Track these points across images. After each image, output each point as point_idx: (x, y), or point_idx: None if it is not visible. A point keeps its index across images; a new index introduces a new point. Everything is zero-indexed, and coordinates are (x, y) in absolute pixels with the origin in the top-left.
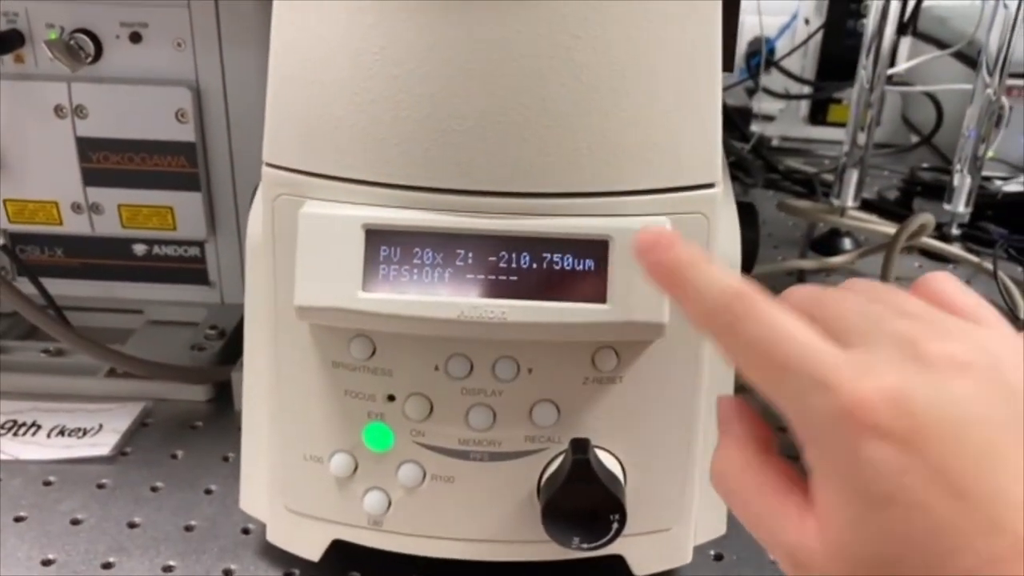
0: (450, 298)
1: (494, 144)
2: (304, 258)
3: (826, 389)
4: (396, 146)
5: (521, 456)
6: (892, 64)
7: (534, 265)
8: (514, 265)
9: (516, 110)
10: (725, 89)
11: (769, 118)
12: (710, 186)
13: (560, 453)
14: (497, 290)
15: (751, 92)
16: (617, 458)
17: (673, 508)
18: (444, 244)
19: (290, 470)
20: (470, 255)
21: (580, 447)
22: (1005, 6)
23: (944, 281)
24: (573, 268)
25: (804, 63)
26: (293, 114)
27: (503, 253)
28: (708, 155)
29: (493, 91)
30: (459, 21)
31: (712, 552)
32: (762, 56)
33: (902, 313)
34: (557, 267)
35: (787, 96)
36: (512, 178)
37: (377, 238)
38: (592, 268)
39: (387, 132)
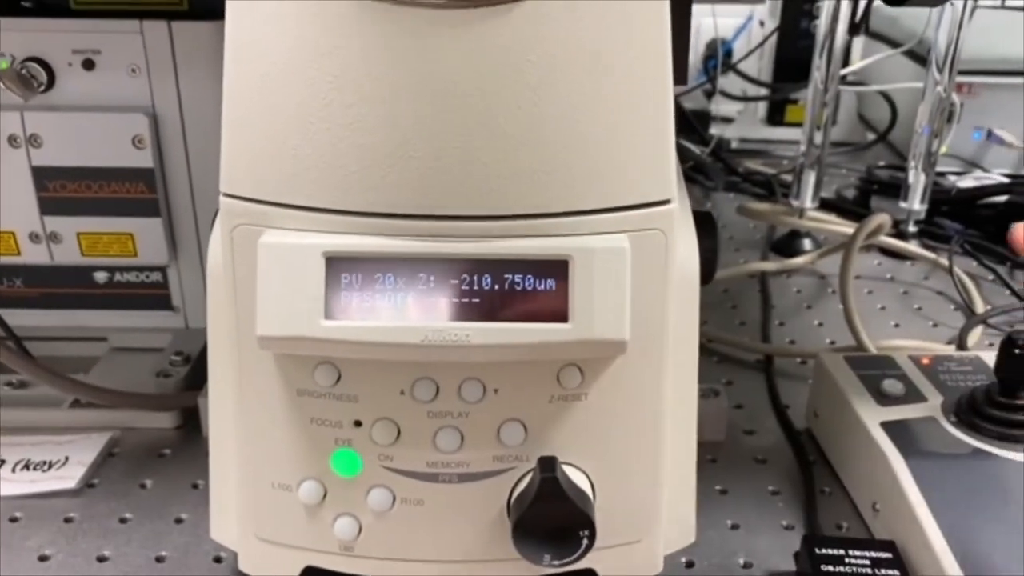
0: (414, 323)
1: (451, 168)
2: (265, 288)
3: None
4: (354, 173)
5: (490, 476)
6: (846, 64)
7: (496, 287)
8: (476, 287)
9: (472, 134)
10: (683, 94)
11: (728, 120)
12: (666, 202)
13: (528, 471)
14: (460, 313)
15: (709, 95)
16: (585, 474)
17: (642, 520)
18: (405, 269)
19: (259, 498)
20: (432, 279)
21: (548, 465)
22: (952, 4)
23: None
24: (535, 288)
25: (760, 65)
26: (249, 144)
27: (465, 276)
28: (663, 172)
29: (448, 116)
30: (412, 48)
31: (684, 559)
32: (718, 59)
33: None
34: (519, 288)
35: (744, 98)
36: (471, 201)
37: (338, 265)
38: (553, 288)
39: (344, 159)
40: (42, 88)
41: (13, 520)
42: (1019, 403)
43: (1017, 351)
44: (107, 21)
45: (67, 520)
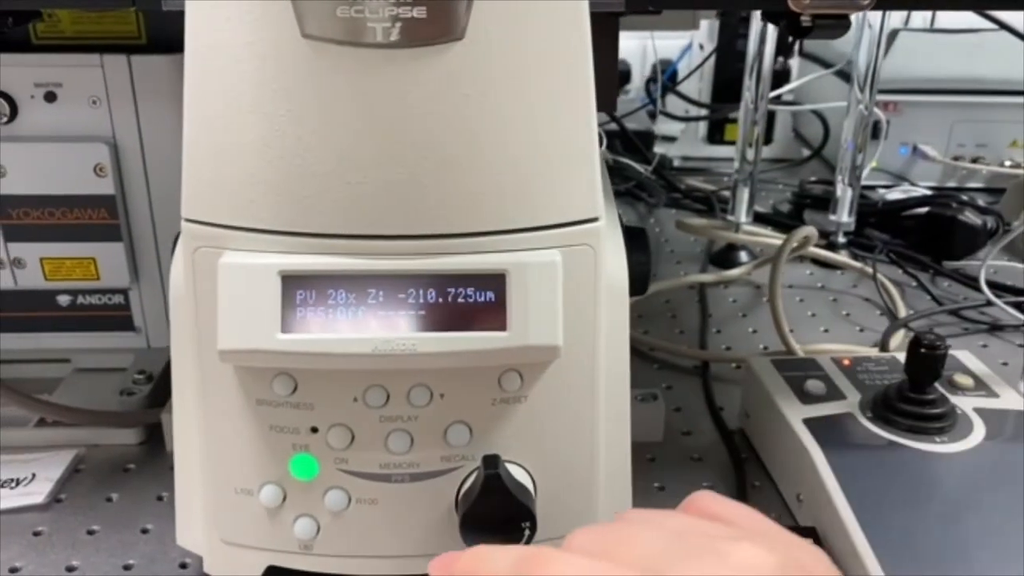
0: (364, 334)
1: (395, 192)
2: (225, 305)
3: None
4: (306, 198)
5: (439, 475)
6: (783, 84)
7: (439, 300)
8: (421, 301)
9: (414, 160)
10: (629, 114)
11: (671, 139)
12: (594, 220)
13: (474, 470)
14: (407, 324)
15: (652, 115)
16: (526, 470)
17: (581, 513)
18: (356, 285)
19: (223, 504)
20: (380, 294)
21: (491, 463)
22: (869, 26)
23: (706, 499)
24: (475, 300)
25: (701, 86)
26: (208, 172)
27: (411, 290)
28: (590, 193)
29: (391, 144)
30: (358, 84)
31: None
32: (659, 82)
33: (678, 535)
34: (460, 300)
35: (686, 118)
36: (415, 222)
37: (293, 283)
38: (492, 300)
39: (296, 185)
40: (5, 120)
41: None
42: (927, 398)
43: (923, 350)
44: (68, 55)
45: (36, 533)
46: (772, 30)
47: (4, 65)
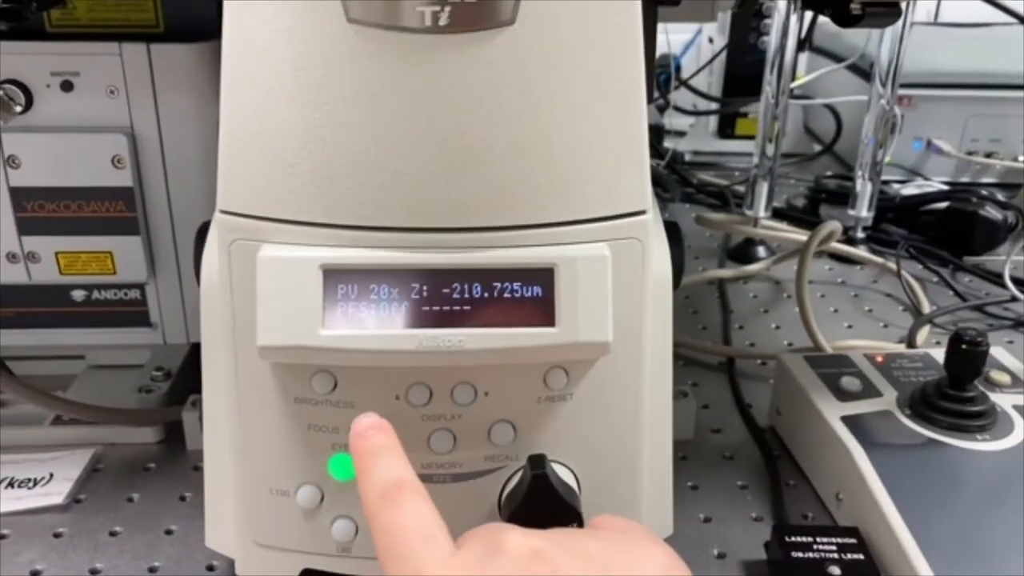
0: (408, 330)
1: (441, 183)
2: (265, 300)
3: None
4: (348, 189)
5: (482, 475)
6: (792, 79)
7: (485, 294)
8: (467, 295)
9: (460, 150)
10: None
11: (680, 134)
12: (642, 213)
13: (518, 469)
14: (452, 320)
15: (662, 109)
16: (571, 469)
17: (623, 513)
18: (399, 279)
19: (257, 505)
20: (425, 288)
21: (538, 463)
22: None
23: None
24: (522, 295)
25: (710, 80)
26: (246, 163)
27: (456, 285)
28: (639, 184)
29: (438, 134)
30: (403, 71)
31: None
32: (671, 74)
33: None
34: (507, 295)
35: (696, 112)
36: (460, 214)
37: (334, 277)
38: (540, 295)
39: (339, 176)
40: (20, 110)
41: (1, 537)
42: (967, 395)
43: (964, 347)
44: (86, 44)
45: (56, 535)
46: (795, 24)
47: (20, 53)
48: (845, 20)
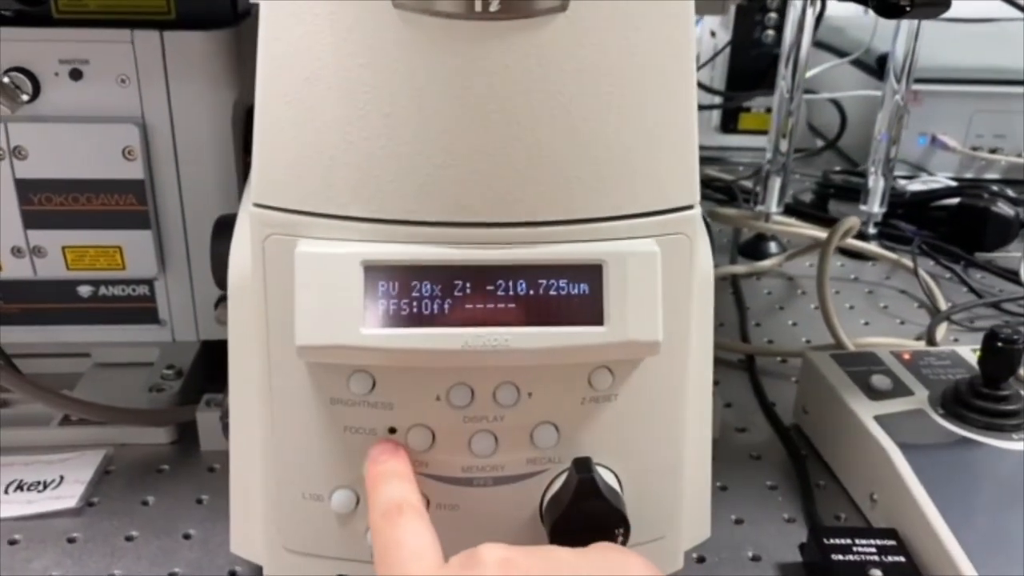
0: (452, 329)
1: (486, 176)
2: (303, 297)
3: None
4: (390, 182)
5: (524, 479)
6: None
7: (531, 292)
8: (512, 293)
9: (507, 142)
10: None
11: None
12: (691, 207)
13: (561, 472)
14: (497, 318)
15: None
16: (614, 473)
17: (666, 516)
18: (442, 276)
19: (289, 510)
20: (468, 285)
21: (583, 466)
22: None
23: None
24: (569, 293)
25: (712, 74)
26: (283, 154)
27: (500, 282)
28: (688, 179)
29: (484, 124)
30: (448, 59)
31: (695, 555)
32: None
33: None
34: (552, 292)
35: (700, 106)
36: (505, 209)
37: (375, 274)
38: (587, 292)
39: (380, 168)
40: (27, 98)
41: (13, 543)
42: (1002, 394)
43: (1000, 344)
44: (96, 30)
45: (70, 540)
46: (811, 18)
47: (27, 40)
48: (890, 11)
